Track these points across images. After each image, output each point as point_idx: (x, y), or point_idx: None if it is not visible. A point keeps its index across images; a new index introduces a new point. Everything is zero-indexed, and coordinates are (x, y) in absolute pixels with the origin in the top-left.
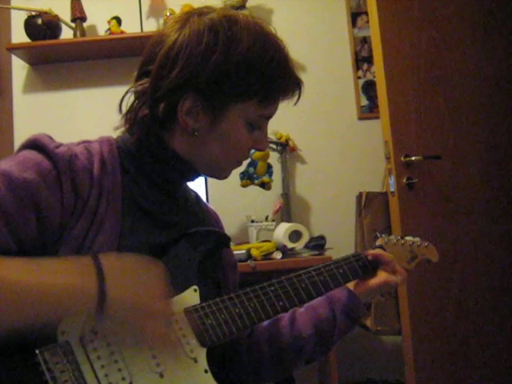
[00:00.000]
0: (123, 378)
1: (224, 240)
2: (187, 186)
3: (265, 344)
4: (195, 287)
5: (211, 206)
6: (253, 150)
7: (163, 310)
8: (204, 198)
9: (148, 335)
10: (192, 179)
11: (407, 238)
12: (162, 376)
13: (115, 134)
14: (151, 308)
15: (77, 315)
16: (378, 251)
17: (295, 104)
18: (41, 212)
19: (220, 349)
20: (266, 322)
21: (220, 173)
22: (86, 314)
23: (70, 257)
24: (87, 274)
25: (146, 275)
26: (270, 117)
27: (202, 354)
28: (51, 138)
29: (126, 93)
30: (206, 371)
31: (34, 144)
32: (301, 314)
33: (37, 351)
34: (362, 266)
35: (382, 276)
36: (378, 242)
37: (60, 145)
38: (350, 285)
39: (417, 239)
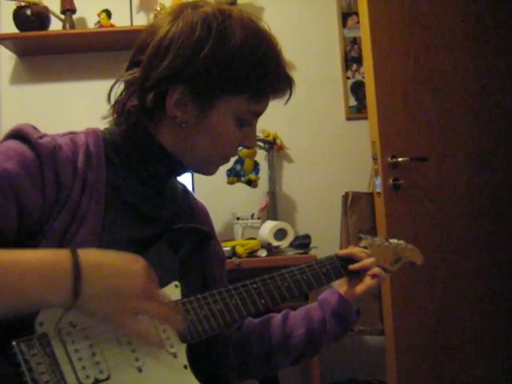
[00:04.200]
0: (101, 372)
1: (206, 237)
2: (175, 180)
3: (255, 340)
4: (176, 283)
5: (200, 199)
6: (240, 148)
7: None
8: None
9: (127, 330)
10: (178, 174)
11: (392, 240)
12: (140, 370)
13: (103, 124)
14: (130, 302)
15: (53, 308)
16: (348, 250)
17: (285, 103)
18: (22, 203)
19: (206, 343)
20: (257, 319)
21: (206, 168)
22: (62, 306)
23: (48, 250)
24: (63, 267)
25: (125, 272)
26: (259, 114)
27: (181, 349)
28: (35, 128)
29: (116, 82)
30: (185, 367)
31: (18, 134)
32: (294, 314)
33: (13, 342)
34: (345, 266)
35: (366, 282)
36: (362, 244)
37: (44, 135)
38: (342, 291)
39: (401, 242)
